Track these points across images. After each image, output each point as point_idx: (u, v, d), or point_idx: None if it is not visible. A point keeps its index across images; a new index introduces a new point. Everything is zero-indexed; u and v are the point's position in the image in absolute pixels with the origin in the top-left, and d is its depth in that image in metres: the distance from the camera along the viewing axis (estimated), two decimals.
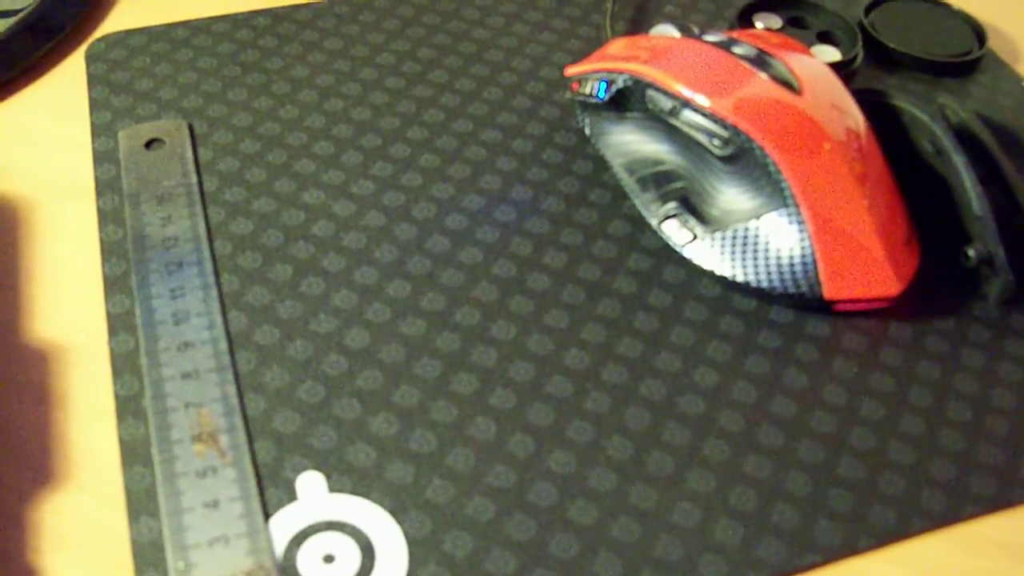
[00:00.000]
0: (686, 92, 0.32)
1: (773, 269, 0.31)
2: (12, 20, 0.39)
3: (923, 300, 0.33)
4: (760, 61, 0.33)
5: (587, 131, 0.37)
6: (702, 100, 0.32)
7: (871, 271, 0.31)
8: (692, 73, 0.32)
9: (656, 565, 0.26)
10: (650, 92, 0.33)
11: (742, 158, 0.32)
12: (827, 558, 0.27)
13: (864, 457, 0.29)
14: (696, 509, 0.27)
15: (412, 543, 0.26)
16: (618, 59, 0.35)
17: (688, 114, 0.32)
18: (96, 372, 0.30)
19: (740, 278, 0.32)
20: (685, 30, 0.35)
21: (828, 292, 0.31)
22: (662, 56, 0.33)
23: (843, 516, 0.28)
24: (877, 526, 0.27)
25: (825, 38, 0.41)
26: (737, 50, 0.33)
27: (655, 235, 0.34)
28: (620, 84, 0.34)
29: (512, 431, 0.29)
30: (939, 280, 0.34)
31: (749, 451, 0.29)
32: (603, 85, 0.34)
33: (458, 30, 0.42)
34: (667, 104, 0.33)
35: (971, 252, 0.32)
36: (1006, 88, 0.40)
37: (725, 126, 0.31)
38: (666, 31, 0.35)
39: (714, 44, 0.33)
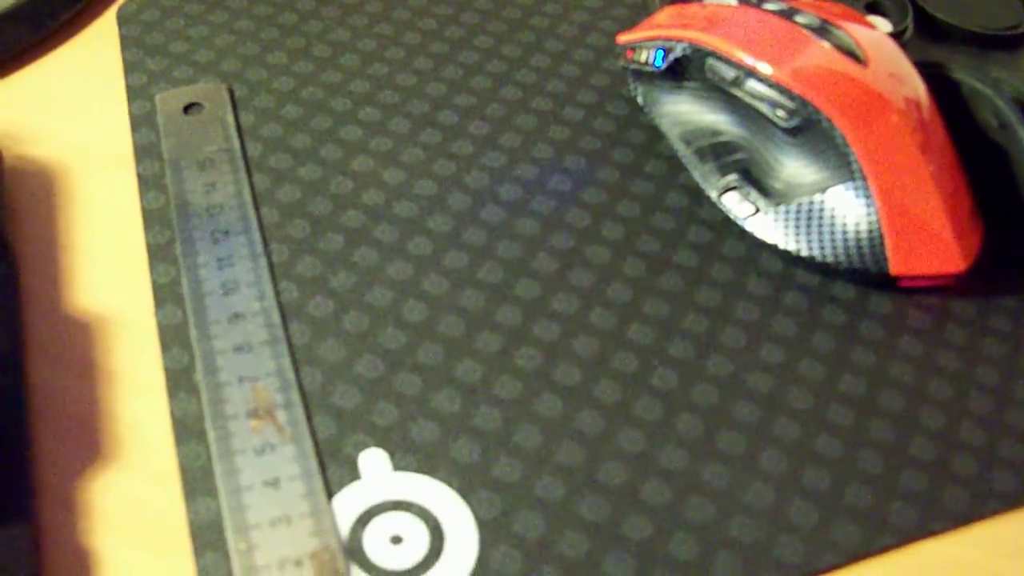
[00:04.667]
0: (749, 61, 0.31)
1: (839, 243, 0.31)
2: None
3: (985, 277, 0.32)
4: (823, 31, 0.32)
5: (640, 100, 0.36)
6: (767, 69, 0.31)
7: (937, 247, 0.30)
8: (755, 42, 0.31)
9: (731, 546, 0.26)
10: (710, 61, 0.32)
11: (807, 130, 0.31)
12: (902, 540, 0.26)
13: (935, 437, 0.28)
14: (769, 489, 0.27)
15: (481, 524, 0.26)
16: (674, 26, 0.34)
17: (752, 84, 0.31)
18: (143, 345, 0.29)
19: (804, 252, 0.31)
20: None
21: (894, 267, 0.30)
22: (722, 24, 0.32)
23: (917, 497, 0.27)
24: (951, 507, 0.27)
25: (873, 9, 0.40)
26: (799, 19, 0.32)
27: (713, 207, 0.33)
28: (678, 52, 0.33)
29: (579, 408, 0.28)
30: (1001, 257, 0.33)
31: (820, 430, 0.28)
32: (660, 53, 0.33)
33: None
34: (729, 73, 0.32)
35: None
36: None
37: (791, 97, 0.31)
38: None
39: (775, 13, 0.33)
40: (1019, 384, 0.30)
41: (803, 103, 0.30)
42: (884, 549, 0.26)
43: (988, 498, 0.27)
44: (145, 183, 0.32)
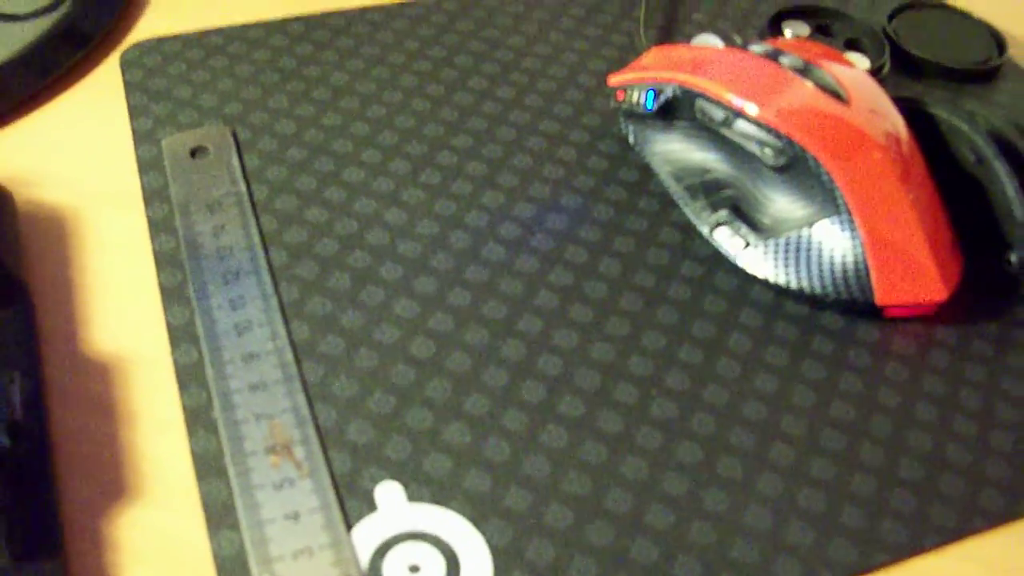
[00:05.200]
0: (737, 102, 0.33)
1: (826, 275, 0.32)
2: (40, 28, 0.38)
3: (966, 305, 0.34)
4: (807, 71, 0.33)
5: (631, 139, 0.37)
6: (754, 110, 0.32)
7: (920, 277, 0.32)
8: (743, 84, 0.33)
9: (734, 567, 0.27)
10: (700, 102, 0.34)
11: (794, 167, 0.32)
12: (895, 557, 0.28)
13: (922, 458, 0.30)
14: (767, 512, 0.28)
15: (495, 552, 0.27)
16: (664, 69, 0.35)
17: (741, 124, 0.33)
18: (160, 384, 0.30)
19: (794, 284, 0.32)
20: (728, 40, 0.35)
21: (879, 297, 0.32)
22: (710, 66, 0.34)
23: (907, 516, 0.28)
24: (940, 525, 0.28)
25: (851, 46, 0.42)
26: (784, 60, 0.34)
27: (705, 242, 0.35)
28: (669, 94, 0.34)
29: (583, 438, 0.29)
30: (980, 285, 0.34)
31: (813, 454, 0.29)
32: (651, 95, 0.35)
33: (493, 37, 0.42)
34: (719, 114, 0.33)
35: (1013, 258, 0.33)
36: None
37: (779, 136, 0.32)
38: (709, 41, 0.36)
39: (761, 55, 0.34)
40: (1001, 406, 0.31)
41: (790, 142, 0.32)
42: (879, 566, 0.27)
43: (975, 516, 0.29)
44: (155, 226, 0.33)
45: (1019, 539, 0.29)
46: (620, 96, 0.37)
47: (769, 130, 0.32)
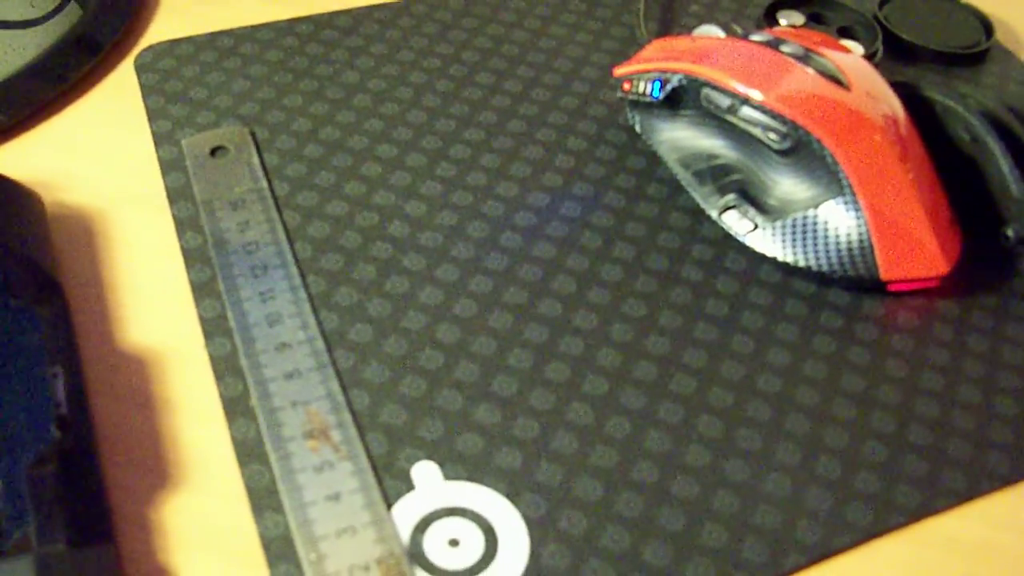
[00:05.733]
0: (743, 89, 0.34)
1: (832, 254, 0.33)
2: (53, 33, 0.39)
3: (966, 278, 0.35)
4: (807, 58, 0.35)
5: (638, 128, 0.38)
6: (759, 96, 0.34)
7: (922, 252, 0.33)
8: (747, 71, 0.34)
9: (757, 532, 0.28)
10: (706, 91, 0.35)
11: (798, 151, 0.34)
12: (909, 519, 0.29)
13: (931, 425, 0.31)
14: (787, 479, 0.29)
15: (530, 524, 0.28)
16: (668, 59, 0.36)
17: (747, 111, 0.34)
18: (197, 375, 0.31)
19: (802, 263, 0.34)
20: (729, 31, 0.37)
21: (884, 273, 0.33)
22: (714, 55, 0.35)
23: (919, 479, 0.30)
24: (950, 488, 0.30)
25: (844, 33, 0.44)
26: (785, 49, 0.35)
27: (713, 225, 0.36)
28: (675, 83, 0.36)
29: (608, 415, 0.30)
30: (979, 260, 0.36)
31: (827, 423, 0.31)
32: (657, 84, 0.36)
33: (497, 33, 0.43)
34: (725, 102, 0.34)
35: (1010, 232, 0.35)
36: (1015, 76, 0.43)
37: (784, 121, 0.33)
38: (710, 31, 0.37)
39: (762, 43, 0.35)
40: (1002, 374, 0.33)
41: (794, 127, 0.33)
42: (894, 527, 0.29)
43: (982, 478, 0.30)
44: (181, 224, 0.34)
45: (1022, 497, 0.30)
46: (626, 86, 0.38)
47: (774, 115, 0.33)
